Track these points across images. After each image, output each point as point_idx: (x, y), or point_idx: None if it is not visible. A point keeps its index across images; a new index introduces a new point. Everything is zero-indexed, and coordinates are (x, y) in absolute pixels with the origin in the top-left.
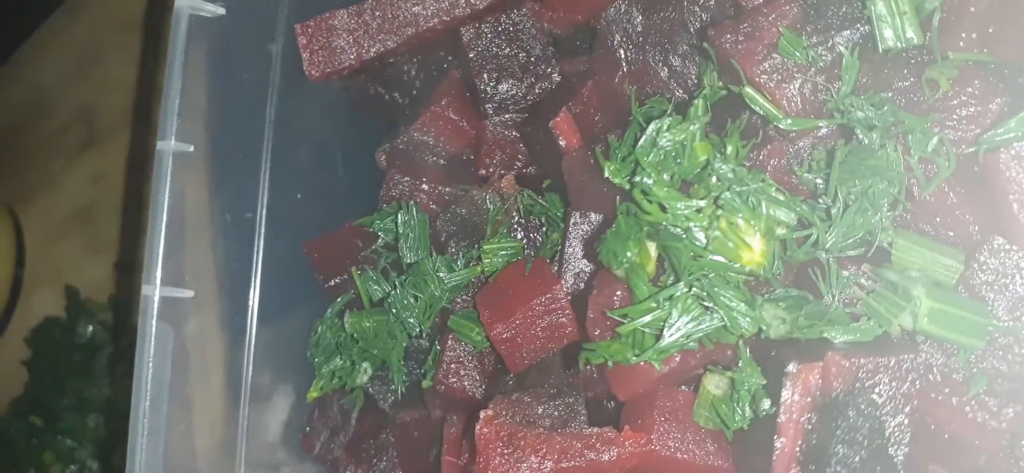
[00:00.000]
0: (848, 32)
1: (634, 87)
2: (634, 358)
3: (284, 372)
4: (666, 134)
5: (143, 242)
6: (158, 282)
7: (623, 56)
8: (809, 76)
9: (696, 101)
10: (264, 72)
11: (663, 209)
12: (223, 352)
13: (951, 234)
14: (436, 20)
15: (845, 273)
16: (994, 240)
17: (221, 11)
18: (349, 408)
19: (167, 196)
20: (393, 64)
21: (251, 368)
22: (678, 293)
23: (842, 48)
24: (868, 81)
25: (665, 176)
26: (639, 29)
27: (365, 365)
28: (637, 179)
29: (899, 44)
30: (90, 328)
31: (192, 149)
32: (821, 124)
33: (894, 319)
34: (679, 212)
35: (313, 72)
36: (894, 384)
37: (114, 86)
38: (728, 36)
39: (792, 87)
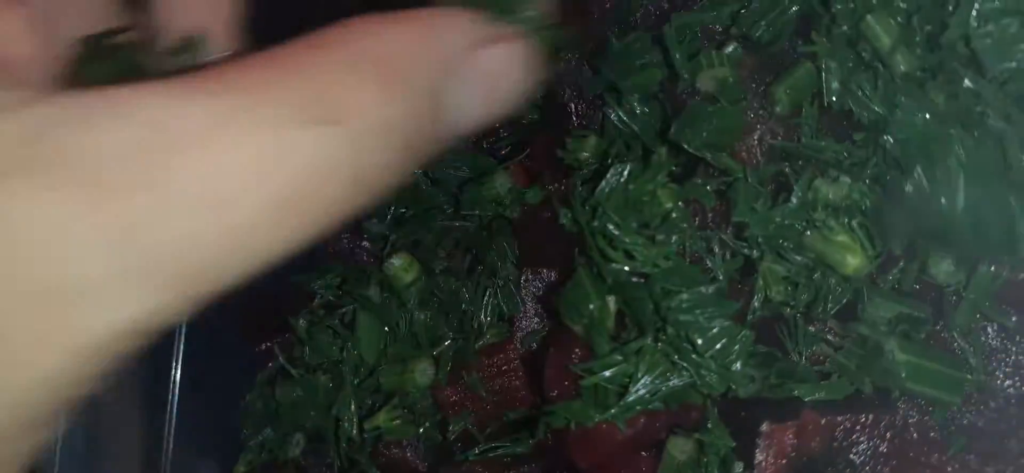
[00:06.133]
0: None
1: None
2: (597, 417)
3: (208, 446)
4: (629, 180)
5: None
6: None
7: (574, 110)
8: (768, 125)
9: (659, 149)
10: None
11: (630, 256)
12: (140, 424)
13: (917, 286)
14: None
15: (811, 329)
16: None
17: None
18: None
19: None
20: None
21: (172, 441)
22: (645, 345)
23: None
24: (826, 130)
25: (633, 223)
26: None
27: (298, 436)
28: (596, 224)
29: None
30: None
31: None
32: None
33: (866, 375)
34: (649, 258)
35: None
36: (873, 443)
37: None
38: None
39: (751, 138)
